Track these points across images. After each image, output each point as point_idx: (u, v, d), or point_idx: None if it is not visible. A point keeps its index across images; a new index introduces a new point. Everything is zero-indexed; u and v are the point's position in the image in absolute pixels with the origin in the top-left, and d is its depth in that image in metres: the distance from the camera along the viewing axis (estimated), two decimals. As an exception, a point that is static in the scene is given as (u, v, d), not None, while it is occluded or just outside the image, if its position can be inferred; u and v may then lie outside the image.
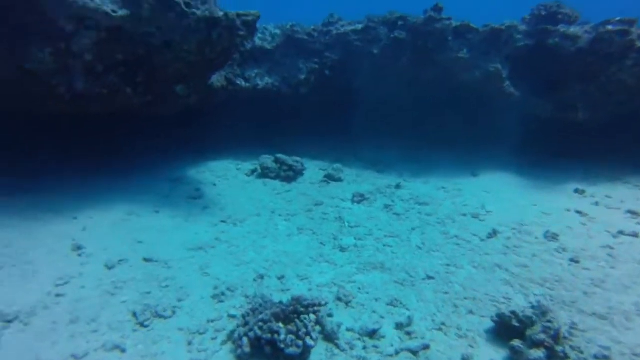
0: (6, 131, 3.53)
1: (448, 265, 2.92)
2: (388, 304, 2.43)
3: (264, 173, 4.50)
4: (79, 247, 2.82)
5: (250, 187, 4.24)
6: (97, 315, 2.18)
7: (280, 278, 2.71)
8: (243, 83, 4.54)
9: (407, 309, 2.38)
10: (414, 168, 5.22)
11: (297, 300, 2.09)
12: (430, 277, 2.75)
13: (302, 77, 5.05)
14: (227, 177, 4.39)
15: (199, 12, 2.91)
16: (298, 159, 4.69)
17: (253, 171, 4.57)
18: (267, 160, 4.55)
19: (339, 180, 4.70)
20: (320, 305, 2.13)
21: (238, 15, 3.04)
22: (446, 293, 2.55)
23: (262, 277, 2.70)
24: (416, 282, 2.70)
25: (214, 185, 4.11)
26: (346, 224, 3.57)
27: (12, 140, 3.72)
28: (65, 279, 2.49)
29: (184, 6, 2.80)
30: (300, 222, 3.58)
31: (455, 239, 3.34)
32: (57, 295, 2.33)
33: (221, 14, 2.95)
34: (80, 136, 4.24)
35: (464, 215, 3.82)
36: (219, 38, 3.01)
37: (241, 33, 3.09)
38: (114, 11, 2.70)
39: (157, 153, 4.62)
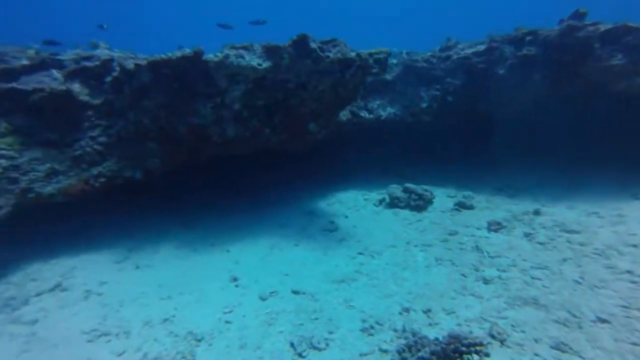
0: (165, 177, 4.23)
1: (626, 307, 2.47)
2: (553, 348, 2.15)
3: (393, 203, 4.50)
4: (235, 279, 3.17)
5: (381, 217, 4.27)
6: (260, 343, 2.40)
7: (427, 312, 2.63)
8: (367, 115, 4.71)
9: (581, 357, 2.07)
10: (553, 191, 4.66)
11: (456, 338, 1.99)
12: (603, 320, 2.35)
13: (424, 105, 5.02)
14: (356, 207, 4.51)
15: (332, 55, 3.15)
16: (427, 187, 4.60)
17: (381, 201, 4.61)
18: (396, 189, 4.55)
19: (471, 207, 4.45)
20: (481, 344, 2.00)
21: (370, 54, 3.21)
22: (635, 344, 2.14)
23: (407, 310, 2.66)
24: (584, 324, 2.34)
25: (346, 217, 4.25)
26: (485, 254, 3.34)
27: (170, 183, 4.43)
28: (229, 307, 2.82)
29: (319, 52, 3.06)
30: (437, 253, 3.47)
31: (629, 275, 2.84)
32: (226, 322, 2.65)
33: (353, 54, 3.15)
34: (218, 174, 4.84)
35: (635, 246, 3.24)
36: (352, 77, 3.21)
37: (374, 70, 3.25)
38: (259, 64, 3.09)
39: (288, 185, 4.99)
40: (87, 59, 3.76)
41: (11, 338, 2.73)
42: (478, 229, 3.87)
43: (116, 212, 4.19)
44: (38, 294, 3.16)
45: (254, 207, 4.34)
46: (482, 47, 4.73)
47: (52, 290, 3.22)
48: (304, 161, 5.31)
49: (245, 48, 3.09)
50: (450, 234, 3.80)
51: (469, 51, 4.73)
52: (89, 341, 2.67)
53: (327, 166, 5.35)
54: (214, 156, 3.60)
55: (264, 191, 4.72)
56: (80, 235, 3.91)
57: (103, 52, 3.90)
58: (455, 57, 4.82)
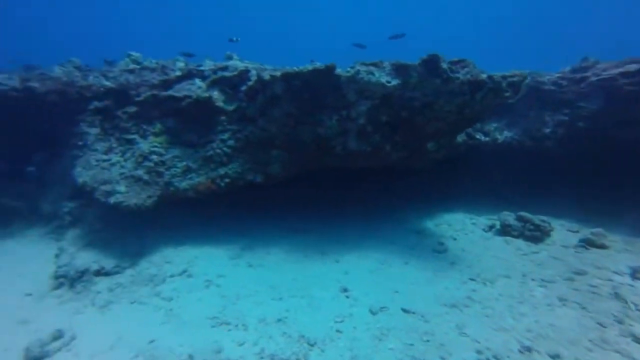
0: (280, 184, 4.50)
1: None
2: None
3: (505, 230, 4.27)
4: (345, 289, 3.27)
5: (491, 244, 4.08)
6: (371, 357, 2.45)
7: (554, 357, 2.45)
8: (482, 137, 4.55)
9: None
10: None
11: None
12: None
13: (547, 130, 4.69)
14: (465, 231, 4.36)
15: (461, 76, 3.12)
16: (544, 218, 4.29)
17: (491, 227, 4.41)
18: (508, 217, 4.31)
19: (602, 247, 4.03)
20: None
21: (504, 77, 3.12)
22: None
23: (529, 349, 2.51)
24: None
25: (455, 239, 4.14)
26: (631, 305, 2.98)
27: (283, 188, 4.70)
28: (340, 317, 2.92)
29: (449, 72, 3.06)
30: (560, 292, 3.20)
31: None
32: (338, 331, 2.75)
33: (484, 76, 3.09)
34: (328, 183, 5.01)
35: None
36: (482, 100, 3.15)
37: (507, 94, 3.15)
38: (388, 82, 3.17)
39: (394, 200, 5.01)
40: (223, 69, 4.21)
41: (155, 309, 3.16)
42: (616, 273, 3.49)
43: (232, 210, 4.57)
44: (171, 276, 3.60)
45: (362, 220, 4.43)
46: (634, 67, 4.26)
47: (180, 274, 3.64)
48: (411, 178, 5.29)
49: (375, 65, 3.21)
50: (577, 274, 3.48)
51: (615, 72, 4.31)
52: (212, 327, 2.97)
53: (435, 185, 5.26)
54: (330, 167, 3.76)
55: (372, 204, 4.79)
56: (202, 228, 4.36)
57: (236, 63, 4.34)
58: (593, 78, 4.42)
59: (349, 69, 3.27)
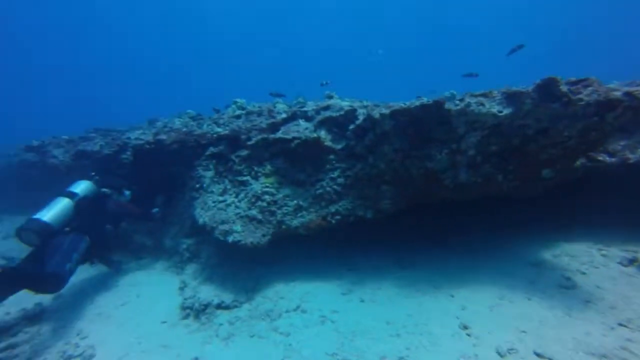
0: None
1: None
2: None
3: (651, 265, 3.80)
4: (466, 327, 3.14)
5: (637, 281, 3.65)
6: None
7: None
8: (607, 158, 4.17)
9: None
10: None
11: None
12: None
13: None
14: (594, 264, 3.96)
15: (585, 97, 2.95)
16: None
17: (632, 260, 3.94)
18: (652, 248, 3.84)
19: None
20: None
21: (645, 91, 2.89)
22: None
23: None
24: None
25: (583, 274, 3.78)
26: None
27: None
28: (465, 357, 2.81)
29: (570, 95, 2.91)
30: None
31: None
32: None
33: (618, 94, 2.88)
34: (435, 215, 4.92)
35: None
36: (615, 120, 2.93)
37: (648, 113, 2.90)
38: (499, 111, 3.11)
39: (505, 230, 4.74)
40: (326, 109, 4.46)
41: (275, 344, 3.33)
42: None
43: (339, 244, 4.70)
44: (287, 311, 3.76)
45: (470, 251, 4.27)
46: None
47: (295, 310, 3.79)
48: (521, 205, 4.99)
49: (484, 95, 3.18)
50: None
51: None
52: None
53: (548, 212, 4.90)
54: (438, 199, 3.73)
55: (479, 234, 4.60)
56: (311, 263, 4.54)
57: (337, 102, 4.57)
58: None
59: (457, 101, 3.28)
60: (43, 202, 4.76)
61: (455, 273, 3.90)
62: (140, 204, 5.74)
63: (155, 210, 5.79)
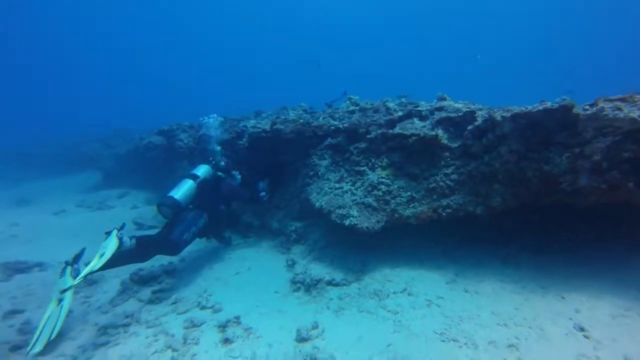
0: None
1: None
2: None
3: None
4: (582, 329, 3.15)
5: None
6: None
7: None
8: None
9: None
10: None
11: None
12: None
13: None
14: None
15: None
16: None
17: None
18: None
19: None
20: None
21: None
22: None
23: None
24: None
25: None
26: None
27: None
28: (583, 357, 2.87)
29: None
30: None
31: None
32: None
33: None
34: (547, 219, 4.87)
35: None
36: None
37: None
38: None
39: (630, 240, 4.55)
40: (440, 109, 4.73)
41: (384, 319, 3.69)
42: None
43: (439, 237, 4.94)
44: (394, 293, 4.09)
45: (585, 258, 4.22)
46: None
47: (402, 292, 4.11)
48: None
49: (622, 100, 3.24)
50: None
51: None
52: (442, 341, 3.29)
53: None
54: (553, 202, 3.81)
55: (594, 242, 4.51)
56: (415, 252, 4.84)
57: (451, 103, 4.82)
58: None
59: (586, 106, 3.37)
60: (171, 182, 5.67)
61: (566, 277, 3.92)
62: (249, 188, 6.49)
63: (262, 194, 6.49)
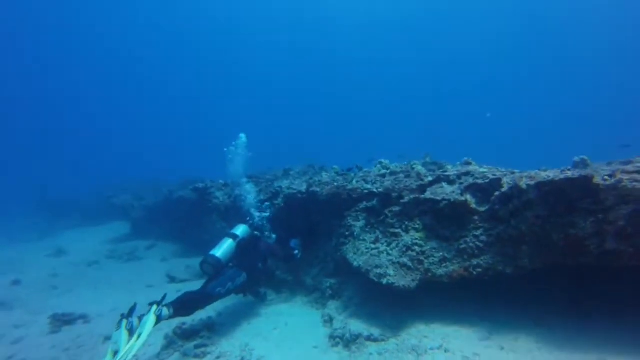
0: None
1: None
2: None
3: None
4: None
5: None
6: None
7: None
8: None
9: None
10: None
11: None
12: None
13: None
14: None
15: None
16: None
17: None
18: None
19: None
20: None
21: None
22: None
23: None
24: None
25: None
26: None
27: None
28: None
29: None
30: None
31: None
32: None
33: None
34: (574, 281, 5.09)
35: None
36: None
37: None
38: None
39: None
40: (466, 174, 5.18)
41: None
42: None
43: (470, 296, 5.20)
44: (431, 349, 4.31)
45: (616, 320, 4.43)
46: None
47: (439, 348, 4.33)
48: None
49: (638, 172, 3.64)
50: None
51: None
52: None
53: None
54: (579, 264, 4.10)
55: (622, 304, 4.71)
56: (449, 309, 5.10)
57: (477, 168, 5.27)
58: None
59: (606, 177, 3.77)
60: (213, 241, 6.15)
61: (605, 340, 4.05)
62: (283, 246, 6.92)
63: (296, 252, 6.89)
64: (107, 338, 5.83)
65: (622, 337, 4.08)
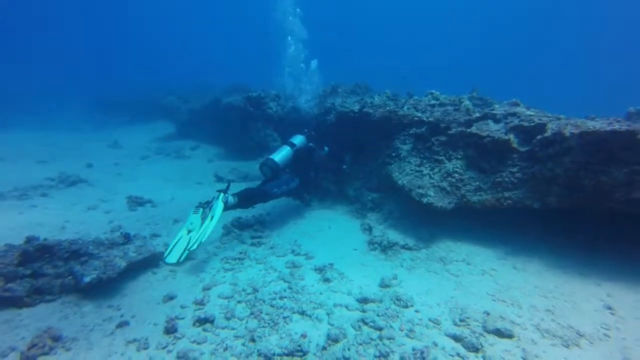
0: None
1: None
2: None
3: None
4: (610, 307, 3.94)
5: None
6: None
7: None
8: None
9: None
10: None
11: None
12: None
13: None
14: None
15: None
16: None
17: None
18: None
19: None
20: None
21: None
22: None
23: None
24: None
25: None
26: None
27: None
28: (606, 326, 3.61)
29: None
30: None
31: None
32: (605, 335, 3.50)
33: None
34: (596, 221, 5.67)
35: None
36: None
37: None
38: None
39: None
40: (513, 115, 5.59)
41: (447, 279, 4.77)
42: None
43: (495, 221, 5.93)
44: (456, 260, 5.09)
45: (620, 258, 5.09)
46: None
47: (462, 261, 5.07)
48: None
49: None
50: None
51: None
52: (493, 300, 4.23)
53: None
54: (605, 208, 4.64)
55: (633, 246, 5.31)
56: (475, 231, 5.88)
57: (523, 110, 5.66)
58: None
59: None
60: (273, 147, 6.90)
61: (605, 271, 4.72)
62: (333, 159, 7.66)
63: (344, 166, 7.64)
64: (176, 220, 6.97)
65: (621, 271, 4.79)
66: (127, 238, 4.68)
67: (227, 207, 5.64)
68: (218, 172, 10.89)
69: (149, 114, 19.31)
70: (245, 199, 6.04)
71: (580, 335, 3.63)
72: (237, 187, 6.70)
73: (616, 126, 4.29)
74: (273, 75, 9.01)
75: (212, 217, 5.34)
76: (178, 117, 16.26)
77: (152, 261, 4.95)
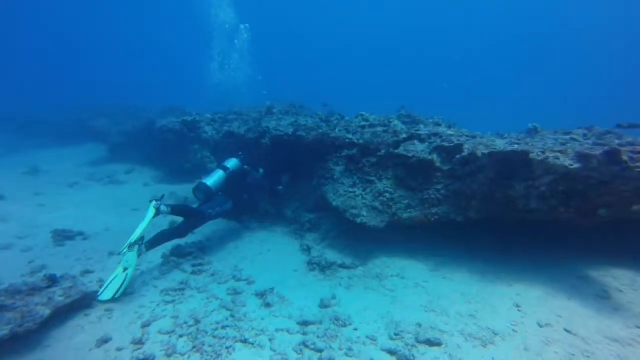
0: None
1: None
2: None
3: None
4: (518, 306, 4.57)
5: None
6: (540, 352, 3.70)
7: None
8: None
9: None
10: None
11: None
12: None
13: None
14: (633, 286, 4.97)
15: (641, 165, 4.36)
16: None
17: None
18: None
19: None
20: None
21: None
22: None
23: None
24: None
25: (620, 291, 5.08)
26: None
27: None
28: (515, 322, 4.19)
29: (629, 162, 4.32)
30: None
31: None
32: (514, 331, 4.08)
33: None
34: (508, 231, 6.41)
35: None
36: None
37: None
38: (570, 165, 4.61)
39: (560, 250, 6.11)
40: (435, 135, 6.16)
41: (383, 295, 5.12)
42: None
43: (425, 236, 6.44)
44: (391, 276, 5.55)
45: (534, 261, 5.77)
46: None
47: (397, 276, 5.52)
48: (577, 231, 6.27)
49: (561, 152, 4.70)
50: None
51: None
52: (425, 311, 4.75)
53: (600, 241, 6.18)
54: (511, 217, 5.31)
55: (537, 248, 6.06)
56: (407, 246, 6.34)
57: (445, 130, 6.26)
58: None
59: (539, 152, 4.83)
60: (206, 171, 7.01)
61: (517, 272, 5.42)
62: (269, 181, 7.87)
63: (280, 187, 7.88)
64: (111, 253, 6.75)
65: (528, 271, 5.47)
66: (53, 280, 4.28)
67: (158, 214, 5.76)
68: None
69: (76, 136, 18.25)
70: (180, 212, 6.15)
71: (495, 334, 4.14)
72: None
73: (515, 146, 4.93)
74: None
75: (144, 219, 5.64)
76: (110, 140, 15.59)
77: (84, 302, 4.71)
